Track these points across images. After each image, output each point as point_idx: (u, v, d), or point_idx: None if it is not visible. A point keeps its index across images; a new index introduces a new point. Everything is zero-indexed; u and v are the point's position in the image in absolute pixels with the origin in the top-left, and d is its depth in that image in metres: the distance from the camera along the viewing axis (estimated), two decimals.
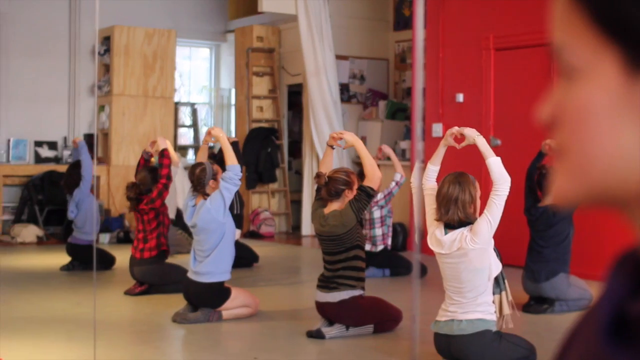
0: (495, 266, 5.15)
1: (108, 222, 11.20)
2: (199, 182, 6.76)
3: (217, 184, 6.72)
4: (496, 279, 5.25)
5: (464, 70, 9.77)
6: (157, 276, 7.71)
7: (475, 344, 5.06)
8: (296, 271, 9.84)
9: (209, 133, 7.03)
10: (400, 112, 11.86)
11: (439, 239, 5.16)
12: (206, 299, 6.70)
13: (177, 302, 6.93)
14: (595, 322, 0.83)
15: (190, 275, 6.75)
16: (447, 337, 5.13)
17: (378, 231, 8.65)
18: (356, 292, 6.16)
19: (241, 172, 6.85)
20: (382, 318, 6.26)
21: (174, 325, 6.58)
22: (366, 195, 6.00)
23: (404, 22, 11.95)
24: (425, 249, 8.47)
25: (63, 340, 6.00)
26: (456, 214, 5.13)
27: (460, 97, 9.80)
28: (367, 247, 8.51)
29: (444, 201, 5.15)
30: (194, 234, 6.83)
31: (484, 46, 9.52)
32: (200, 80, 14.19)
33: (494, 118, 9.48)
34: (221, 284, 6.75)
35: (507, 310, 5.39)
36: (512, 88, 9.23)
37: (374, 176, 6.06)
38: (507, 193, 5.09)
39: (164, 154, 7.78)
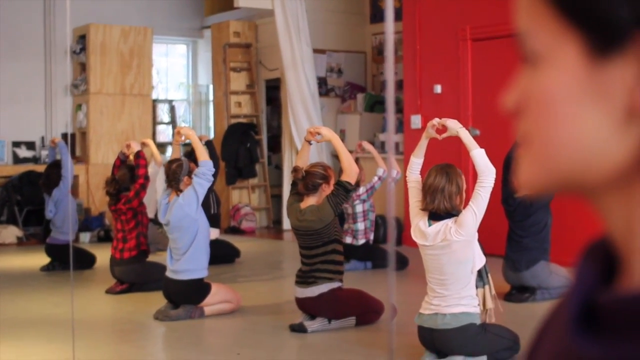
0: (479, 259, 5.14)
1: (88, 221, 11.15)
2: (174, 178, 6.74)
3: (191, 181, 6.70)
4: (479, 273, 5.24)
5: (442, 61, 9.76)
6: (137, 275, 7.68)
7: (460, 338, 5.05)
8: (277, 266, 9.83)
9: (178, 133, 7.05)
10: (378, 104, 11.85)
11: (423, 231, 5.14)
12: (186, 296, 6.68)
13: (158, 299, 6.89)
14: (565, 314, 0.84)
15: (168, 274, 6.73)
16: (431, 330, 5.11)
17: (360, 225, 8.64)
18: (334, 285, 6.15)
19: (214, 168, 6.84)
20: (363, 310, 6.25)
21: (156, 323, 6.56)
22: (344, 190, 5.99)
23: (380, 14, 11.93)
24: (408, 241, 8.49)
25: (43, 341, 5.96)
26: (442, 204, 5.11)
27: (438, 88, 9.80)
28: (349, 240, 8.50)
29: (430, 190, 5.13)
30: (168, 232, 6.81)
31: (461, 37, 9.52)
32: (178, 77, 14.14)
33: (472, 108, 9.49)
34: (200, 280, 6.73)
35: (490, 304, 5.39)
36: (490, 78, 9.23)
37: (351, 171, 6.05)
38: (492, 184, 5.07)
39: (139, 155, 7.75)
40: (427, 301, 5.17)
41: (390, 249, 2.66)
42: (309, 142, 6.41)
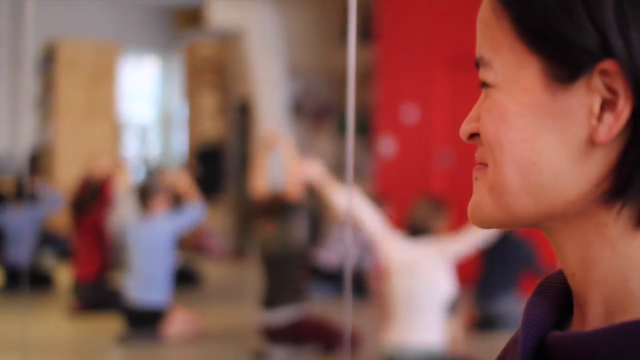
0: (450, 289, 4.94)
1: (50, 240, 10.88)
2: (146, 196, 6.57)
3: (165, 201, 6.52)
4: (450, 303, 5.07)
5: (415, 84, 9.63)
6: (98, 297, 7.45)
7: None
8: (242, 289, 9.62)
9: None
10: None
11: (396, 248, 4.92)
12: (146, 320, 6.47)
13: (119, 321, 6.68)
14: (516, 354, 0.83)
15: (128, 297, 6.52)
16: None
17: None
18: (299, 309, 5.97)
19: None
20: (327, 338, 6.07)
21: (115, 347, 6.33)
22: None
23: (358, 35, 11.79)
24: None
25: None
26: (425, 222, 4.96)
27: (410, 111, 9.66)
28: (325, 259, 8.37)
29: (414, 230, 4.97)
30: (132, 253, 6.59)
31: (436, 59, 9.39)
32: (147, 94, 13.92)
33: (446, 132, 9.34)
34: (161, 305, 6.52)
35: (459, 334, 5.21)
36: (466, 102, 9.09)
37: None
38: (485, 237, 4.88)
39: (108, 178, 7.58)
40: (393, 330, 4.96)
41: (347, 272, 2.48)
42: (269, 151, 6.24)
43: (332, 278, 8.44)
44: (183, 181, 6.85)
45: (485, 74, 0.83)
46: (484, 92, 0.85)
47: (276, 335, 5.95)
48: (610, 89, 0.76)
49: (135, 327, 6.49)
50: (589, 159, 0.77)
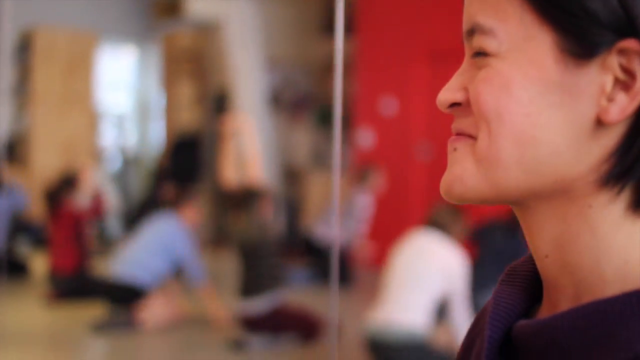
0: (443, 287, 4.87)
1: (27, 228, 10.80)
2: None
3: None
4: (442, 308, 5.03)
5: (394, 76, 9.62)
6: (75, 287, 7.41)
7: (405, 356, 4.80)
8: (220, 278, 9.58)
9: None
10: (329, 117, 11.70)
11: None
12: (127, 298, 6.45)
13: (96, 309, 6.64)
14: (482, 342, 0.83)
15: (113, 272, 6.54)
16: (378, 344, 4.86)
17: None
18: (276, 297, 5.96)
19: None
20: (305, 327, 6.05)
21: (92, 335, 6.30)
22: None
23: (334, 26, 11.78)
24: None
25: None
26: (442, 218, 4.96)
27: (389, 104, 9.66)
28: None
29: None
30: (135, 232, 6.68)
31: (415, 52, 9.39)
32: (125, 83, 13.84)
33: (426, 125, 9.34)
34: (145, 285, 6.51)
35: (444, 338, 5.19)
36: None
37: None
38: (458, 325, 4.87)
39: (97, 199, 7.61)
40: (378, 308, 4.92)
41: (334, 263, 2.46)
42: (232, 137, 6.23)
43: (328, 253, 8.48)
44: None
45: (484, 43, 0.79)
46: (474, 61, 0.81)
47: (254, 324, 5.93)
48: (625, 70, 0.74)
49: (115, 304, 6.48)
50: (592, 140, 0.75)
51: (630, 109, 0.74)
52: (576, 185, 0.77)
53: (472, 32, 0.80)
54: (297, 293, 7.31)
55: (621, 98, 0.74)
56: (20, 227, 10.62)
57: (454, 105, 0.83)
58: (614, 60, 0.73)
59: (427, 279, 4.76)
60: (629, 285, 0.75)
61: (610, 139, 0.75)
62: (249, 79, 11.32)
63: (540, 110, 0.76)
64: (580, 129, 0.75)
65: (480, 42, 0.79)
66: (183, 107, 12.39)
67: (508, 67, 0.77)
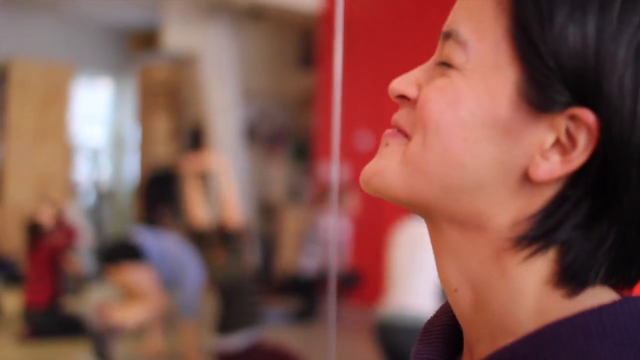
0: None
1: (2, 264, 10.67)
2: None
3: None
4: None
5: (363, 110, 9.64)
6: (50, 324, 7.30)
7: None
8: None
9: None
10: (304, 151, 11.68)
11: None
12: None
13: (71, 347, 6.55)
14: None
15: None
16: (392, 329, 4.81)
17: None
18: (254, 334, 5.89)
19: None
20: None
21: None
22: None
23: (310, 60, 11.80)
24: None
25: None
26: None
27: (361, 136, 9.67)
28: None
29: None
30: None
31: (380, 84, 9.37)
32: (100, 117, 13.77)
33: None
34: None
35: None
36: None
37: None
38: None
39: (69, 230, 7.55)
40: (387, 296, 4.92)
41: (330, 302, 2.42)
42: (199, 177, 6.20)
43: (312, 285, 8.44)
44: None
45: (453, 53, 0.77)
46: (438, 66, 0.79)
47: None
48: (569, 135, 0.73)
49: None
50: (516, 190, 0.74)
51: (559, 173, 0.72)
52: (492, 226, 0.76)
53: (448, 36, 0.78)
54: (274, 331, 7.24)
55: (554, 160, 0.73)
56: None
57: (403, 97, 0.81)
58: (562, 123, 0.72)
59: (428, 264, 4.76)
60: (540, 324, 0.74)
61: (534, 199, 0.74)
62: (225, 112, 11.30)
63: (477, 140, 0.74)
64: (508, 174, 0.74)
65: (450, 50, 0.78)
66: (159, 140, 12.33)
67: (465, 87, 0.75)
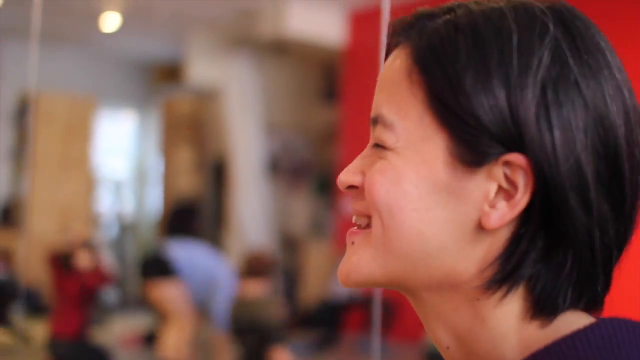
0: None
1: (23, 295, 10.67)
2: None
3: None
4: None
5: None
6: (77, 355, 7.27)
7: None
8: None
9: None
10: (327, 186, 11.67)
11: None
12: None
13: None
14: None
15: None
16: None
17: None
18: None
19: None
20: None
21: None
22: None
23: (332, 94, 11.83)
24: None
25: None
26: None
27: None
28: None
29: None
30: None
31: None
32: (123, 149, 13.82)
33: None
34: None
35: None
36: None
37: None
38: None
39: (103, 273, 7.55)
40: None
41: (374, 338, 2.39)
42: None
43: (340, 311, 8.42)
44: None
45: (383, 136, 0.82)
46: (375, 149, 0.84)
47: None
48: (509, 180, 0.78)
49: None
50: (475, 242, 0.79)
51: (509, 217, 0.77)
52: (463, 280, 0.80)
53: (376, 121, 0.84)
54: None
55: (502, 206, 0.78)
56: (16, 293, 10.50)
57: (352, 187, 0.86)
58: (499, 171, 0.77)
59: None
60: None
61: (494, 244, 0.79)
62: (248, 145, 11.32)
63: (427, 207, 0.79)
64: (464, 229, 0.79)
65: (380, 133, 0.83)
66: (181, 172, 12.36)
67: (402, 163, 0.80)
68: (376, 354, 2.46)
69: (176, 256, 6.80)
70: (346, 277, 0.86)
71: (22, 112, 11.73)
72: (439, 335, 0.84)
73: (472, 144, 0.77)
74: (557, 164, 0.76)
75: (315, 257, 10.46)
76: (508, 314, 0.80)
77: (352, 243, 0.86)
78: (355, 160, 0.87)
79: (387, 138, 0.82)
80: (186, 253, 6.91)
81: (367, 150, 0.86)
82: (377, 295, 2.84)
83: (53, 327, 7.36)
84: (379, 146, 0.83)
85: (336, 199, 10.13)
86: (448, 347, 0.84)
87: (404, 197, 0.80)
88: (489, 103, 0.76)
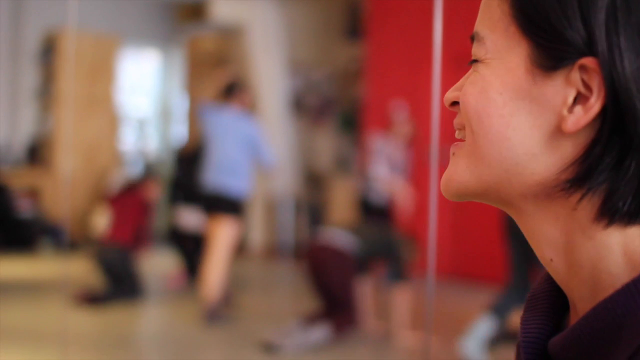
0: None
1: (51, 231, 10.80)
2: None
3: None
4: None
5: (405, 81, 9.59)
6: (119, 269, 7.46)
7: None
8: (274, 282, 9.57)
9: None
10: (351, 123, 11.65)
11: None
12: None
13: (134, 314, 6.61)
14: None
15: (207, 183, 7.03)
16: None
17: None
18: None
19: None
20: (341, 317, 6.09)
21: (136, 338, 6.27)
22: None
23: (356, 31, 11.77)
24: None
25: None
26: None
27: (399, 108, 9.64)
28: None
29: None
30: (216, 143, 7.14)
31: (425, 57, 9.29)
32: (147, 87, 13.85)
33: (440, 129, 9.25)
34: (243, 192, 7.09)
35: None
36: None
37: None
38: None
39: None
40: None
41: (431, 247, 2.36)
42: None
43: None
44: None
45: (477, 49, 0.87)
46: (473, 66, 0.89)
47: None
48: (586, 85, 0.80)
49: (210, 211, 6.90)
50: (556, 146, 0.82)
51: (584, 121, 0.80)
52: (549, 188, 0.83)
53: (473, 38, 0.89)
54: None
55: (578, 110, 0.80)
56: (44, 229, 10.62)
57: (455, 103, 0.91)
58: (576, 75, 0.80)
59: None
60: (634, 272, 0.81)
61: (574, 148, 0.81)
62: (271, 83, 11.31)
63: (512, 113, 0.83)
64: (547, 135, 0.82)
65: (475, 48, 0.88)
66: None
67: (490, 73, 0.85)
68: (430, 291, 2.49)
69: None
70: (445, 187, 0.90)
71: (47, 51, 11.75)
72: (542, 248, 0.86)
73: (549, 50, 0.81)
74: (622, 67, 0.78)
75: (340, 194, 10.49)
76: (611, 228, 0.82)
77: (453, 154, 0.90)
78: (461, 80, 0.91)
79: (479, 51, 0.87)
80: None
81: (470, 70, 0.90)
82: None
83: (111, 232, 7.67)
84: (475, 61, 0.88)
85: (360, 135, 10.13)
86: (552, 260, 0.86)
87: (490, 105, 0.84)
88: (562, 9, 0.80)
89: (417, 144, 8.28)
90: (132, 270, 7.51)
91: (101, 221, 9.63)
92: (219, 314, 6.68)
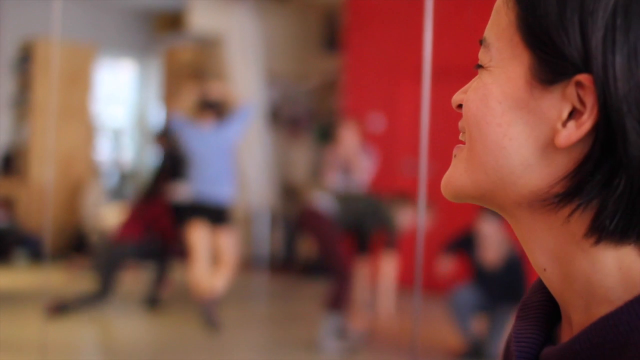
0: None
1: (25, 241, 10.72)
2: None
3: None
4: None
5: (381, 93, 9.63)
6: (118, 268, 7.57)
7: None
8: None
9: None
10: (328, 135, 11.66)
11: None
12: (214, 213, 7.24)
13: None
14: None
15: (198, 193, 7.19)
16: None
17: None
18: None
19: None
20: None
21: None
22: None
23: (334, 43, 11.79)
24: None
25: None
26: None
27: (376, 120, 9.68)
28: None
29: None
30: (198, 160, 7.37)
31: (402, 69, 9.34)
32: (123, 98, 13.80)
33: (413, 140, 9.27)
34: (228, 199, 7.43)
35: None
36: (434, 113, 9.07)
37: None
38: None
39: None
40: None
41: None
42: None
43: None
44: (229, 92, 7.51)
45: (483, 55, 0.89)
46: (478, 71, 0.90)
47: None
48: (582, 101, 0.81)
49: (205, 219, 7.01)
50: (551, 159, 0.83)
51: (575, 136, 0.81)
52: (540, 200, 0.85)
53: (482, 42, 0.90)
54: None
55: (570, 126, 0.81)
56: (19, 239, 10.54)
57: (460, 106, 0.92)
58: (573, 91, 0.81)
59: None
60: (631, 288, 0.82)
61: (567, 162, 0.83)
62: (248, 94, 11.30)
63: (510, 123, 0.84)
64: (541, 147, 0.83)
65: (481, 53, 0.90)
66: None
67: (492, 81, 0.87)
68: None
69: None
70: (444, 188, 0.92)
71: (23, 60, 11.69)
72: (536, 256, 0.87)
73: (549, 64, 0.82)
74: (616, 86, 0.79)
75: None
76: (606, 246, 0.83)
77: (455, 156, 0.92)
78: (470, 82, 0.92)
79: (484, 57, 0.89)
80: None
81: (478, 74, 0.91)
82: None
83: (121, 230, 7.79)
84: (480, 66, 0.89)
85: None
86: (545, 269, 0.87)
87: (489, 113, 0.86)
88: (563, 24, 0.81)
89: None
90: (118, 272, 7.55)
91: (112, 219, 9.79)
92: (216, 318, 6.84)
